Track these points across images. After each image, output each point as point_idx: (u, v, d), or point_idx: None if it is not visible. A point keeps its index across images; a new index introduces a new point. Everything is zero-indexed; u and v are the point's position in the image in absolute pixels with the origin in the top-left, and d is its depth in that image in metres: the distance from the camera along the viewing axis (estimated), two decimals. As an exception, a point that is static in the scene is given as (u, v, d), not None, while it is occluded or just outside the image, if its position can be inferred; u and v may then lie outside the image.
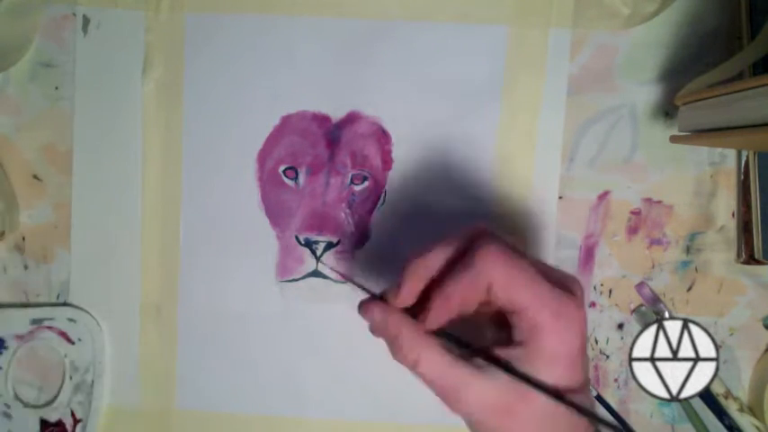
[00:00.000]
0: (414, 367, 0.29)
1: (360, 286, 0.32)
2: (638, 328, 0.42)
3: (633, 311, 0.42)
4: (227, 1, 0.41)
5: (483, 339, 0.31)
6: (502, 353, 0.29)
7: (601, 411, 0.43)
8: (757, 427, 0.41)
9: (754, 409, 0.42)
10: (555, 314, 0.28)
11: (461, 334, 0.30)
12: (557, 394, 0.28)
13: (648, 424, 0.43)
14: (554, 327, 0.28)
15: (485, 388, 0.28)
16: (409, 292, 0.30)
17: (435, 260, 0.30)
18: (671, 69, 0.41)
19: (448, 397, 0.29)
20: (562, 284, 0.29)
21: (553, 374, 0.28)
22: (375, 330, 0.31)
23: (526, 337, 0.28)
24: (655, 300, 0.42)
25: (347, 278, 0.35)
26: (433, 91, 0.41)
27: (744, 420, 0.41)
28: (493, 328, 0.31)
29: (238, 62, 0.41)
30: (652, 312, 0.42)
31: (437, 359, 0.29)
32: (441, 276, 0.30)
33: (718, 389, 0.41)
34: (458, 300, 0.29)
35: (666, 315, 0.41)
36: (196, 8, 0.41)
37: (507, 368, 0.28)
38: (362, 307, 0.31)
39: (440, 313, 0.29)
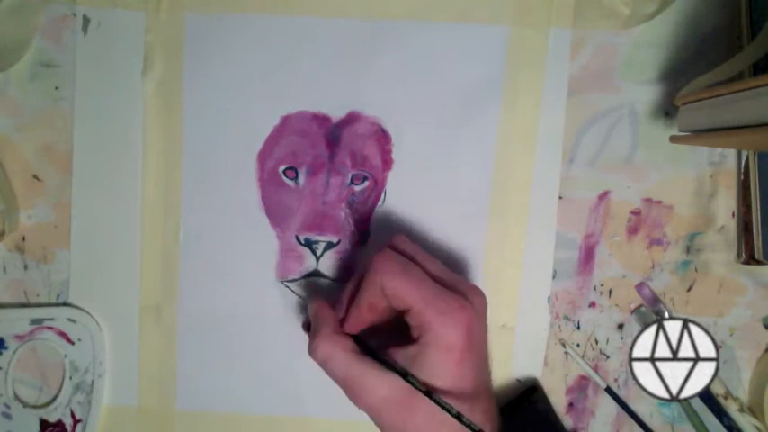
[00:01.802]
0: (324, 363, 0.34)
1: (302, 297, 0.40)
2: (638, 328, 0.42)
3: (633, 312, 0.42)
4: (227, 1, 0.41)
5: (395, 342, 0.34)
6: (399, 351, 0.33)
7: (610, 404, 0.43)
8: (757, 428, 0.41)
9: (753, 410, 0.42)
10: (439, 312, 0.32)
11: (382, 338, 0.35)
12: (429, 393, 0.31)
13: (648, 424, 0.43)
14: (438, 323, 0.32)
15: (383, 382, 0.32)
16: (342, 305, 0.36)
17: (359, 275, 0.35)
18: (671, 69, 0.41)
19: (351, 391, 0.33)
20: (457, 290, 0.33)
21: (442, 372, 0.32)
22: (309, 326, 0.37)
23: (416, 334, 0.33)
24: (654, 300, 0.42)
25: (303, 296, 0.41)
26: (432, 91, 0.41)
27: (744, 420, 0.41)
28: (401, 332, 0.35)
29: (238, 62, 0.41)
30: (652, 313, 0.42)
31: (342, 356, 0.33)
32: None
33: (717, 389, 0.41)
34: (365, 305, 0.34)
35: (666, 315, 0.41)
36: (196, 8, 0.41)
37: (396, 369, 0.32)
38: (309, 306, 0.37)
39: (354, 319, 0.35)
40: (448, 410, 0.31)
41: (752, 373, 0.42)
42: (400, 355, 0.33)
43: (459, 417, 0.31)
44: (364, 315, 0.34)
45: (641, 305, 0.42)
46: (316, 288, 0.42)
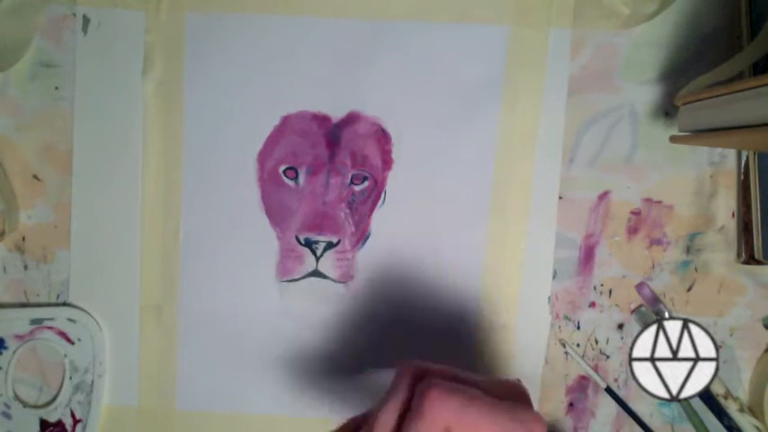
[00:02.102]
0: None
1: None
2: (638, 327, 0.42)
3: (633, 311, 0.42)
4: (227, 1, 0.41)
5: None
6: None
7: (611, 404, 0.43)
8: (757, 428, 0.41)
9: (753, 409, 0.42)
10: None
11: None
12: None
13: (648, 424, 0.43)
14: None
15: None
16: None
17: (390, 418, 0.28)
18: (671, 69, 0.41)
19: None
20: (511, 395, 0.29)
21: None
22: None
23: None
24: (654, 300, 0.42)
25: None
26: (433, 91, 0.41)
27: (744, 420, 0.41)
28: None
29: (238, 62, 0.41)
30: (652, 313, 0.42)
31: None
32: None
33: (717, 389, 0.41)
34: None
35: (666, 315, 0.41)
36: (196, 8, 0.41)
37: None
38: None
39: None
40: None
41: (752, 374, 0.42)
42: None
43: None
44: None
45: (641, 305, 0.42)
46: (316, 289, 0.42)
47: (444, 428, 0.27)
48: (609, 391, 0.42)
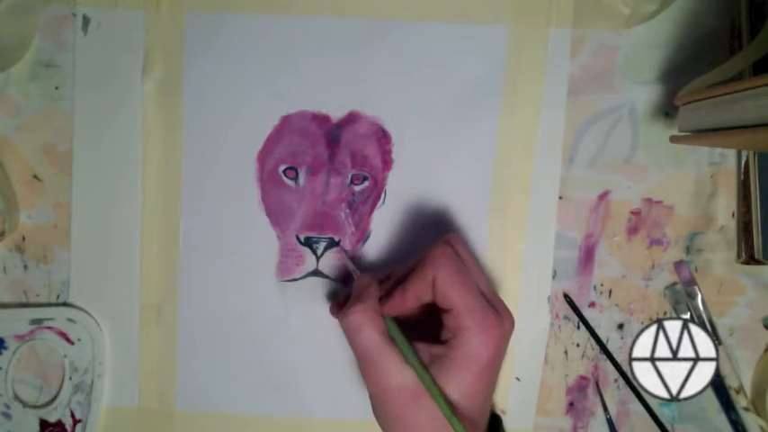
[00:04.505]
0: (352, 331, 0.33)
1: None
2: (638, 327, 0.42)
3: (666, 288, 0.42)
4: (227, 1, 0.41)
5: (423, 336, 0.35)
6: (424, 347, 0.33)
7: (610, 404, 0.43)
8: (762, 428, 0.41)
9: (757, 408, 0.42)
10: (477, 323, 0.32)
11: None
12: (439, 392, 0.32)
13: (648, 424, 0.43)
14: (473, 333, 0.32)
15: (399, 372, 0.32)
16: (385, 287, 0.36)
17: (411, 264, 0.36)
18: (671, 69, 0.41)
19: (367, 369, 0.33)
20: (495, 307, 0.33)
21: (459, 381, 0.32)
22: (352, 294, 0.36)
23: (449, 336, 0.33)
24: (691, 281, 0.41)
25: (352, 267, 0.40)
26: (432, 91, 0.41)
27: (750, 418, 0.41)
28: (427, 327, 0.35)
29: (238, 62, 0.41)
30: (685, 292, 0.41)
31: (373, 333, 0.33)
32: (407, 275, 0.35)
33: (732, 382, 0.41)
34: (412, 294, 0.34)
35: (699, 298, 0.41)
36: (196, 8, 0.41)
37: (418, 360, 0.33)
38: (357, 276, 0.38)
39: (395, 304, 0.34)
40: (449, 417, 0.31)
41: (753, 374, 0.42)
42: (424, 352, 0.33)
43: (458, 422, 0.31)
44: (407, 303, 0.34)
45: (675, 283, 0.42)
46: (317, 289, 0.42)
47: (432, 277, 0.33)
48: (577, 312, 0.42)
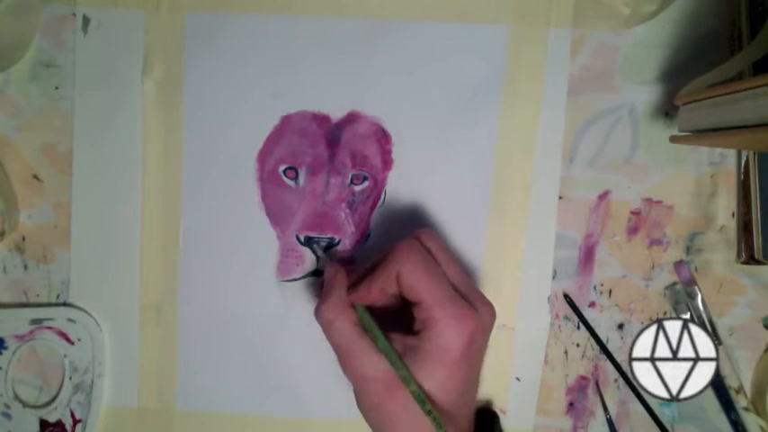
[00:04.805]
0: (326, 326, 0.34)
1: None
2: (638, 327, 0.42)
3: (666, 288, 0.42)
4: (227, 1, 0.41)
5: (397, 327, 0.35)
6: (398, 338, 0.34)
7: (610, 404, 0.43)
8: (762, 428, 0.41)
9: (757, 408, 0.42)
10: (447, 314, 0.32)
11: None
12: (410, 383, 0.32)
13: (649, 424, 0.43)
14: (443, 324, 0.32)
15: (373, 362, 0.33)
16: (354, 276, 0.36)
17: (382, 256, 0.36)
18: (671, 69, 0.41)
19: (343, 360, 0.34)
20: (469, 299, 0.34)
21: (432, 372, 0.32)
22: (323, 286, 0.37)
23: (420, 328, 0.33)
24: (691, 282, 0.41)
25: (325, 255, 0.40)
26: (432, 91, 0.41)
27: (749, 419, 0.41)
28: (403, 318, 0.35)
29: (238, 62, 0.41)
30: (685, 292, 0.41)
31: (345, 325, 0.33)
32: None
33: (732, 382, 0.41)
34: (377, 287, 0.34)
35: (699, 299, 0.41)
36: (196, 8, 0.41)
37: (392, 350, 0.33)
38: (327, 266, 0.38)
39: (362, 294, 0.35)
40: (422, 405, 0.31)
41: (753, 374, 0.42)
42: (398, 342, 0.33)
43: (429, 412, 0.31)
44: (372, 295, 0.35)
45: (675, 283, 0.42)
46: (317, 289, 0.42)
47: (396, 272, 0.33)
48: (567, 299, 0.43)
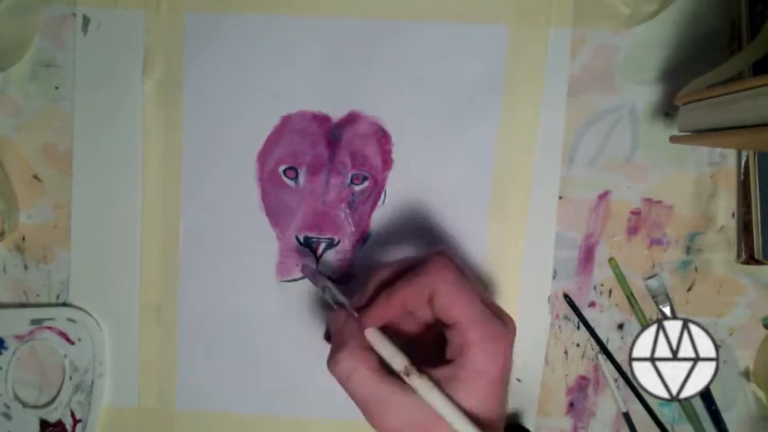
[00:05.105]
0: (345, 381, 0.31)
1: (329, 292, 0.35)
2: (638, 327, 0.42)
3: (646, 279, 0.42)
4: (227, 1, 0.41)
5: (422, 361, 0.32)
6: (433, 372, 0.30)
7: (610, 404, 0.43)
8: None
9: (758, 380, 0.42)
10: (484, 337, 0.30)
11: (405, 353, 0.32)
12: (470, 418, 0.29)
13: (648, 424, 0.43)
14: (480, 347, 0.30)
15: (407, 406, 0.30)
16: (368, 294, 0.33)
17: (395, 267, 0.33)
18: (671, 69, 0.41)
19: (371, 413, 0.31)
20: (498, 317, 0.31)
21: (472, 398, 0.30)
22: (331, 335, 0.34)
23: (455, 354, 0.31)
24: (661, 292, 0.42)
25: (322, 286, 0.36)
26: (433, 91, 0.41)
27: (749, 388, 0.41)
28: (432, 350, 0.33)
29: (238, 62, 0.41)
30: (663, 284, 0.42)
31: (366, 375, 0.31)
32: (393, 281, 0.32)
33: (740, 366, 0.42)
34: (400, 300, 0.31)
35: (668, 306, 0.41)
36: (196, 8, 0.41)
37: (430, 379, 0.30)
38: (332, 315, 0.34)
39: (380, 309, 0.32)
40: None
41: (757, 352, 0.42)
42: (433, 376, 0.31)
43: None
44: (392, 310, 0.32)
45: (654, 275, 0.42)
46: (317, 289, 0.42)
47: (430, 293, 0.31)
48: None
